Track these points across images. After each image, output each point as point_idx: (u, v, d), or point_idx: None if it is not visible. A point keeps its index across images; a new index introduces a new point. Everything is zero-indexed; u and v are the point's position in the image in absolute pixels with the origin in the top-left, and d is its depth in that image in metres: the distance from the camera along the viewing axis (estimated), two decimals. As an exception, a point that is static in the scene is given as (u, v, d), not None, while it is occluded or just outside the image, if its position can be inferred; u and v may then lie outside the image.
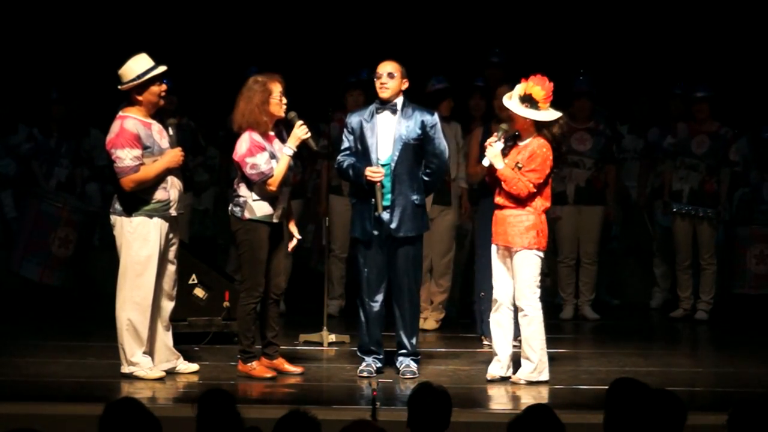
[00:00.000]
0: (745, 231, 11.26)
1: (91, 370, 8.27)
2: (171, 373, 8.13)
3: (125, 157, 7.85)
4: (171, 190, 7.99)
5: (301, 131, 8.08)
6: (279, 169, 8.01)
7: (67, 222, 11.11)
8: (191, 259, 9.13)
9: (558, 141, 8.01)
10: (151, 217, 7.93)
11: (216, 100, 11.03)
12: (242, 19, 12.70)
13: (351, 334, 9.28)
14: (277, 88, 8.08)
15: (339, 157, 8.36)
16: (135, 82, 7.90)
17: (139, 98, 7.95)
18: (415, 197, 8.22)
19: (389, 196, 8.19)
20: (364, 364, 8.29)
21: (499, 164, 7.92)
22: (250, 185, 8.03)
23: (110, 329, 8.34)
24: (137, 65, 7.94)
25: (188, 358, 8.41)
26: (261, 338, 8.29)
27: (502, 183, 7.93)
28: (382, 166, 8.16)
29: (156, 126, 8.04)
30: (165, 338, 8.15)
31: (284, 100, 8.12)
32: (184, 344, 8.74)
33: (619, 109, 11.96)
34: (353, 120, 8.30)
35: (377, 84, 8.21)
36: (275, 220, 8.11)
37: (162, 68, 7.97)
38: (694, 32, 12.53)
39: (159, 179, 7.94)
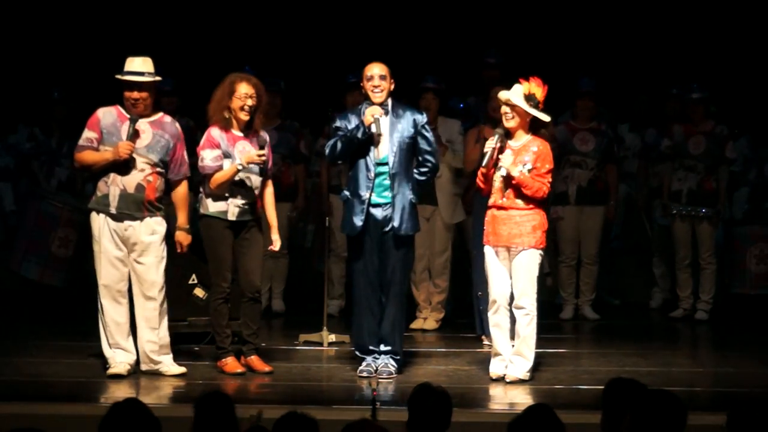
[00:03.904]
0: (745, 230, 11.27)
1: (91, 370, 8.28)
2: (157, 374, 8.14)
3: (82, 136, 8.07)
4: (111, 186, 7.99)
5: (254, 154, 8.13)
6: (221, 174, 8.12)
7: (67, 222, 11.10)
8: (191, 259, 9.11)
9: (551, 142, 8.18)
10: (98, 213, 8.05)
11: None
12: (242, 20, 12.71)
13: (351, 334, 9.27)
14: (242, 88, 8.15)
15: (329, 142, 8.37)
16: (116, 77, 8.04)
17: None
18: (411, 196, 8.26)
19: (388, 193, 8.21)
20: (364, 363, 8.29)
21: (516, 172, 7.94)
22: (204, 180, 8.21)
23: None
24: (127, 63, 8.07)
25: (188, 357, 8.42)
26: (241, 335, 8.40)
27: (523, 188, 7.94)
28: (380, 165, 8.18)
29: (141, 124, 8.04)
30: (147, 337, 8.14)
31: (249, 102, 8.15)
32: (183, 344, 8.75)
33: (619, 109, 11.96)
34: (349, 119, 8.26)
35: (369, 87, 8.20)
36: (231, 218, 8.17)
37: (136, 77, 7.98)
38: (693, 32, 12.53)
39: (98, 167, 7.99)
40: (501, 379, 8.06)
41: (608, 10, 12.64)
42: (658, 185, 11.16)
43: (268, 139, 8.38)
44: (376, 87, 8.17)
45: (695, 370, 8.94)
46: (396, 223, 8.20)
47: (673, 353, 9.52)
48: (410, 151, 8.25)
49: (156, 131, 8.08)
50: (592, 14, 12.64)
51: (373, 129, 8.09)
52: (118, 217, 8.01)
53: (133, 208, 8.01)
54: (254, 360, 8.33)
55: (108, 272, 8.05)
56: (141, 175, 8.00)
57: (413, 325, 10.09)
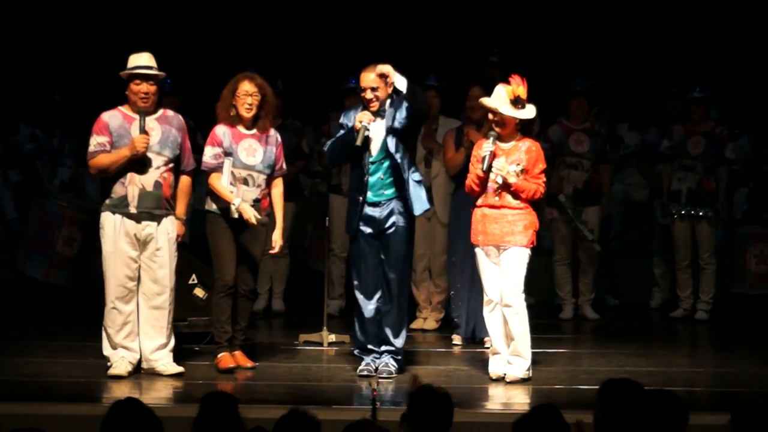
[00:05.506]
0: (745, 230, 11.27)
1: (91, 370, 8.28)
2: (156, 374, 8.13)
3: (91, 142, 8.04)
4: (129, 186, 8.00)
5: (252, 216, 8.09)
6: (219, 187, 8.18)
7: (71, 221, 11.11)
8: (191, 259, 9.13)
9: (538, 136, 8.34)
10: (113, 212, 8.03)
11: (216, 100, 11.02)
12: (243, 19, 12.72)
13: (351, 333, 9.27)
14: (244, 86, 8.23)
15: (329, 141, 8.39)
16: (122, 73, 8.03)
17: (126, 92, 8.06)
18: (414, 177, 8.21)
19: (385, 191, 8.19)
20: (363, 363, 8.29)
21: (513, 179, 7.94)
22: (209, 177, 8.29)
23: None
24: (133, 59, 8.06)
25: (188, 357, 8.41)
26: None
27: (520, 193, 7.95)
28: (373, 163, 8.16)
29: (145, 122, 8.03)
30: (152, 337, 8.13)
31: (249, 100, 8.20)
32: (184, 344, 8.75)
33: (619, 109, 11.97)
34: (351, 118, 8.25)
35: (364, 99, 8.17)
36: (234, 215, 8.20)
37: (146, 71, 7.99)
38: (694, 31, 12.54)
39: (117, 168, 7.97)
40: (501, 379, 8.06)
41: (609, 10, 12.65)
42: (658, 185, 11.17)
43: (279, 139, 8.42)
44: (369, 101, 8.13)
45: (695, 370, 8.94)
46: (413, 207, 8.14)
47: (673, 353, 9.53)
48: (405, 138, 8.17)
49: (163, 126, 8.10)
50: (592, 14, 12.65)
51: (357, 141, 8.05)
52: (137, 217, 8.02)
53: (152, 205, 8.04)
54: (237, 355, 8.37)
55: (120, 271, 8.05)
56: (157, 172, 8.04)
57: (413, 325, 10.09)
